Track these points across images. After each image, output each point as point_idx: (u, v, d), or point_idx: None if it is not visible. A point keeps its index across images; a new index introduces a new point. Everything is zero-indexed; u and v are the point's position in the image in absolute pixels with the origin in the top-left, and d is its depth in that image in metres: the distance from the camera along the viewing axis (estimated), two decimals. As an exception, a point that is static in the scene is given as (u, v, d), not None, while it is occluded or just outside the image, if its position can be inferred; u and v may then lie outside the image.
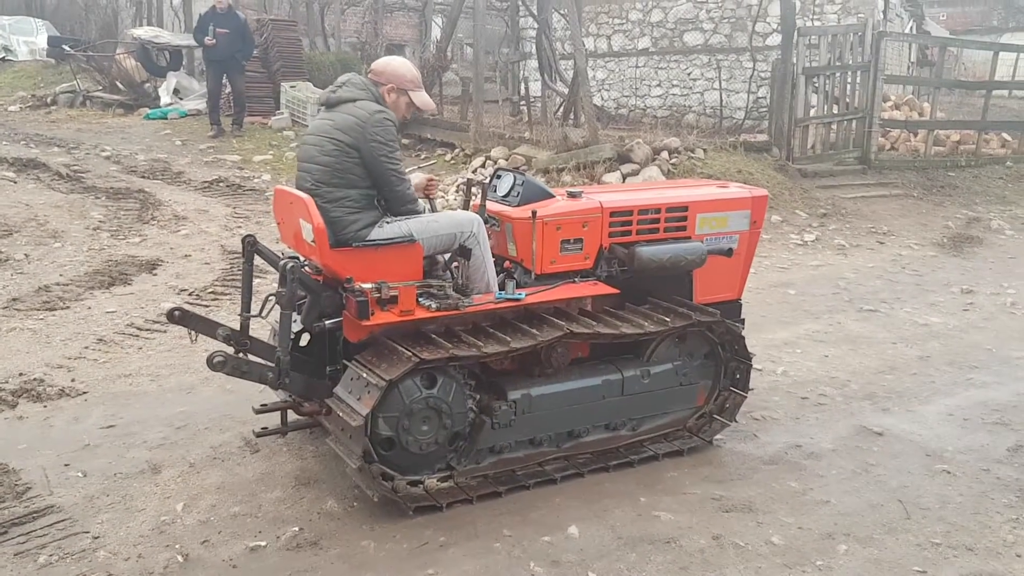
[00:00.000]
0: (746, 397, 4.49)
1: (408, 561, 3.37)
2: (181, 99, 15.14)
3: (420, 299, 3.75)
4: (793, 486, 4.08)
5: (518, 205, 4.26)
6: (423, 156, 11.40)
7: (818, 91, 11.43)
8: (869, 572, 3.37)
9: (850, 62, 11.22)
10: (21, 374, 5.09)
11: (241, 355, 3.78)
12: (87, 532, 3.50)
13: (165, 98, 15.21)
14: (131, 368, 5.36)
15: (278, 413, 4.10)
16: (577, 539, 3.57)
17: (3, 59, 18.91)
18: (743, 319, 4.85)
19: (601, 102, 17.57)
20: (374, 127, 3.76)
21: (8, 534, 3.44)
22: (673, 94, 17.34)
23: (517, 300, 3.96)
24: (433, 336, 3.74)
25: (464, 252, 4.00)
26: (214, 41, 11.84)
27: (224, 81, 12.54)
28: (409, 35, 21.36)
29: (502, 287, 4.09)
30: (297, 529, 3.55)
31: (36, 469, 3.98)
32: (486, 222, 4.33)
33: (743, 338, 4.44)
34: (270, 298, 3.74)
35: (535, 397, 3.98)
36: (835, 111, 11.40)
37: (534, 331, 3.85)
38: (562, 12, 12.88)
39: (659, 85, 17.53)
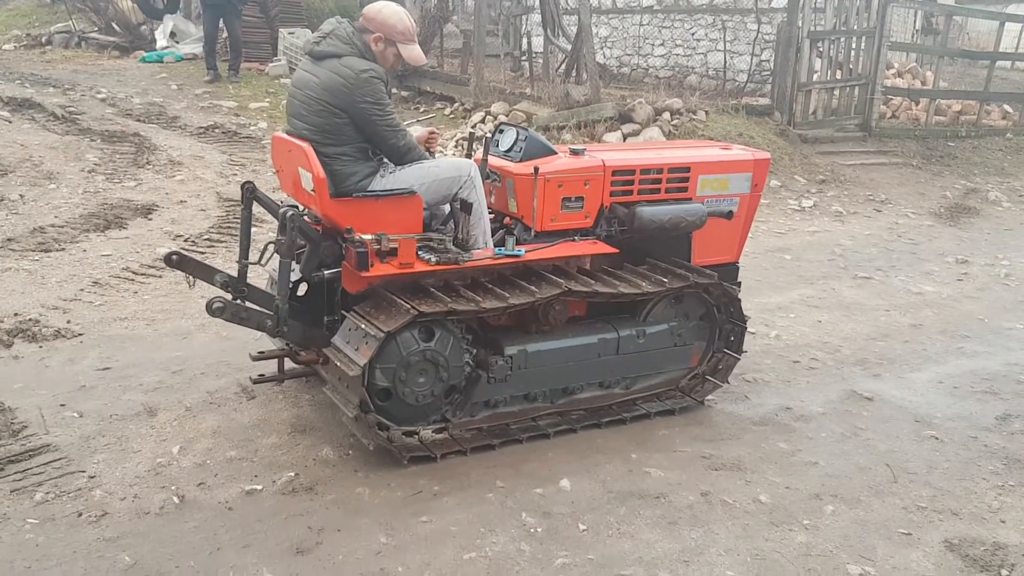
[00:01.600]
0: (739, 359, 4.53)
1: (402, 508, 3.42)
2: (177, 43, 14.92)
3: (420, 252, 3.74)
4: (782, 447, 4.13)
5: (520, 160, 4.22)
6: (422, 109, 11.30)
7: (822, 56, 11.32)
8: (855, 532, 3.43)
9: (856, 27, 11.11)
10: (16, 314, 5.08)
11: (239, 302, 3.78)
12: (83, 471, 3.53)
13: (161, 41, 14.99)
14: (127, 312, 5.36)
15: (275, 361, 4.12)
16: (569, 492, 3.62)
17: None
18: (739, 282, 4.86)
19: (603, 60, 17.38)
20: (361, 88, 3.65)
21: (5, 471, 3.47)
22: (676, 54, 17.13)
23: (516, 256, 3.96)
24: (432, 289, 3.75)
25: (465, 206, 3.98)
26: (211, -18, 11.63)
27: (221, 26, 12.34)
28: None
29: (501, 243, 4.08)
30: (293, 474, 3.59)
31: (32, 408, 4.00)
32: (487, 177, 4.30)
33: (739, 300, 4.46)
34: (269, 246, 3.73)
35: (531, 353, 4.00)
36: (838, 77, 11.32)
37: (532, 288, 3.86)
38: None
39: (662, 44, 17.32)
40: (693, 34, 16.81)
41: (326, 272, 3.87)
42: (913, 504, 3.64)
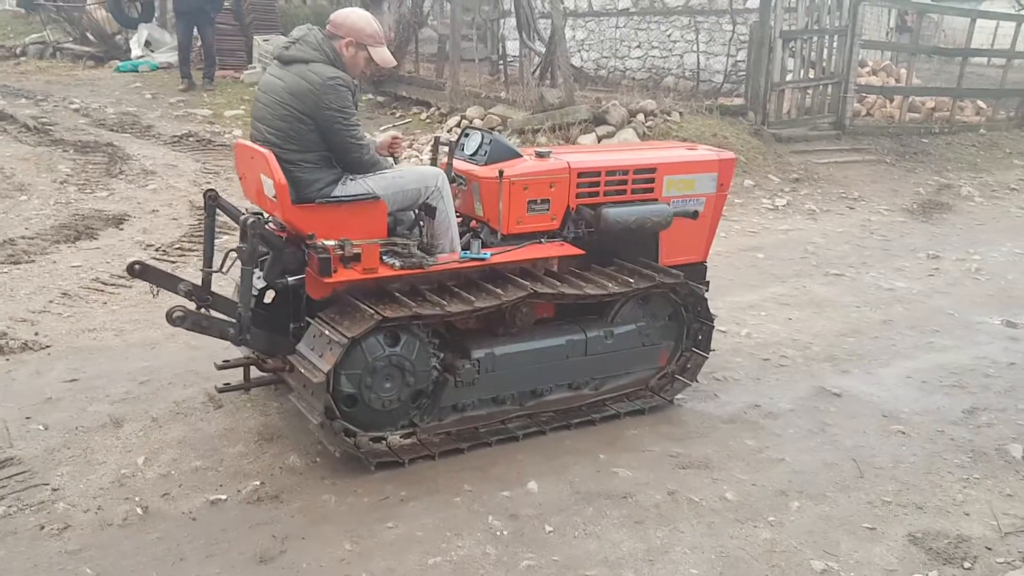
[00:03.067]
0: (707, 358, 4.54)
1: (368, 515, 3.41)
2: (152, 52, 14.86)
3: (384, 257, 3.74)
4: (750, 444, 4.15)
5: (485, 164, 4.23)
6: (398, 114, 11.29)
7: (795, 55, 11.40)
8: (819, 528, 3.45)
9: (828, 26, 11.19)
10: (-17, 327, 5.05)
11: (203, 310, 3.77)
12: (47, 484, 3.51)
13: (136, 50, 14.93)
14: (95, 323, 5.33)
15: (241, 370, 4.11)
16: (536, 494, 3.62)
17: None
18: (708, 281, 4.89)
19: (580, 63, 17.43)
20: (327, 94, 3.65)
21: (-32, 485, 3.44)
22: (652, 56, 17.21)
23: (482, 260, 3.95)
24: (396, 294, 3.74)
25: (428, 210, 3.98)
26: (184, -9, 11.61)
27: (195, 34, 12.30)
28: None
29: (467, 247, 4.09)
30: (258, 483, 3.57)
31: (-4, 421, 3.98)
32: (453, 181, 4.31)
33: (705, 300, 4.49)
34: (231, 254, 3.72)
35: (498, 356, 4.00)
36: (811, 76, 11.39)
37: (498, 291, 3.86)
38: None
39: (639, 47, 17.39)
40: (669, 36, 16.88)
41: (290, 279, 3.86)
42: (878, 499, 3.67)
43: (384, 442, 3.85)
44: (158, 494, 3.48)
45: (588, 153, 5.04)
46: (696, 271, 4.79)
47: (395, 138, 4.37)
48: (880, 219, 9.03)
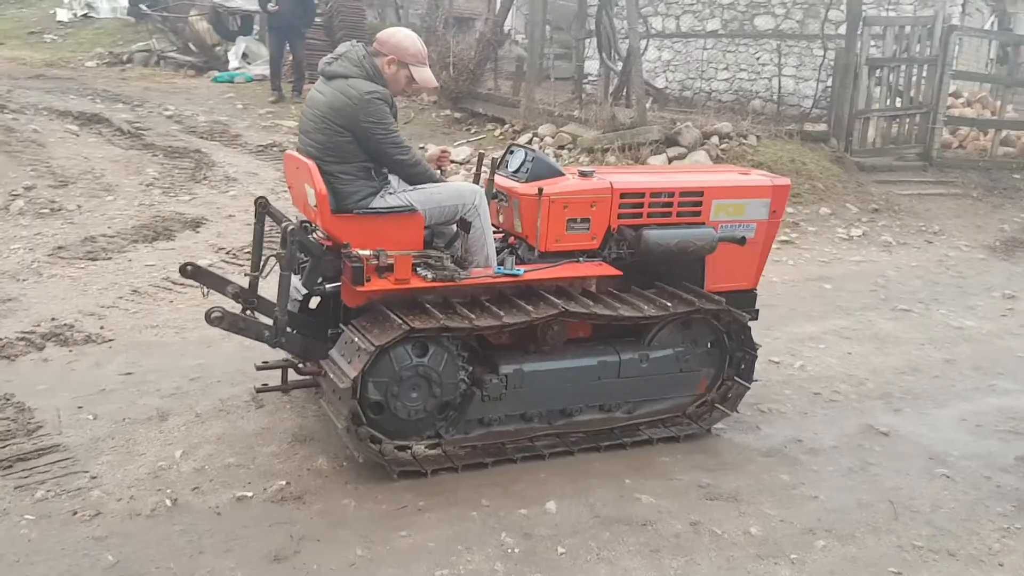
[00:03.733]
0: (749, 388, 4.45)
1: (384, 522, 3.46)
2: (249, 64, 15.45)
3: (418, 269, 3.80)
4: (784, 479, 4.04)
5: (526, 181, 4.26)
6: (473, 131, 11.44)
7: (881, 83, 11.07)
8: (842, 569, 3.34)
9: (917, 55, 10.84)
10: (53, 319, 5.33)
11: (248, 312, 3.90)
12: (87, 472, 3.67)
13: (233, 62, 15.53)
14: (159, 319, 5.57)
15: (279, 371, 4.23)
16: (554, 514, 3.61)
17: (86, 15, 19.49)
18: (756, 310, 4.79)
19: (665, 84, 17.33)
20: (365, 109, 3.75)
21: (12, 468, 3.64)
22: (740, 78, 16.97)
23: (515, 276, 3.98)
24: (427, 306, 3.80)
25: (464, 225, 4.03)
26: (277, 7, 12.06)
27: (287, 48, 12.74)
28: (481, 8, 21.29)
29: (502, 263, 4.12)
30: (284, 483, 3.67)
31: (51, 409, 4.18)
32: (495, 197, 4.35)
33: (748, 328, 4.39)
34: (271, 259, 3.84)
35: (527, 373, 4.00)
36: (898, 105, 11.05)
37: (529, 307, 3.87)
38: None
39: (726, 69, 17.17)
40: (758, 59, 16.64)
41: (327, 286, 3.96)
42: (909, 543, 3.52)
43: (409, 451, 3.90)
44: (189, 487, 3.61)
45: (635, 174, 5.00)
46: (745, 299, 4.69)
47: (443, 151, 4.47)
48: (959, 255, 8.67)
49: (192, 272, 3.79)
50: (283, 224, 3.78)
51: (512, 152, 4.57)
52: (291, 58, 13.12)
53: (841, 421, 4.72)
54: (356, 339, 3.65)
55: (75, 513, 3.36)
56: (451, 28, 13.63)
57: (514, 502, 3.68)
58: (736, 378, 4.47)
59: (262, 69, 14.71)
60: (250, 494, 3.58)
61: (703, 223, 4.47)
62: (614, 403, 4.31)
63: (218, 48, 16.41)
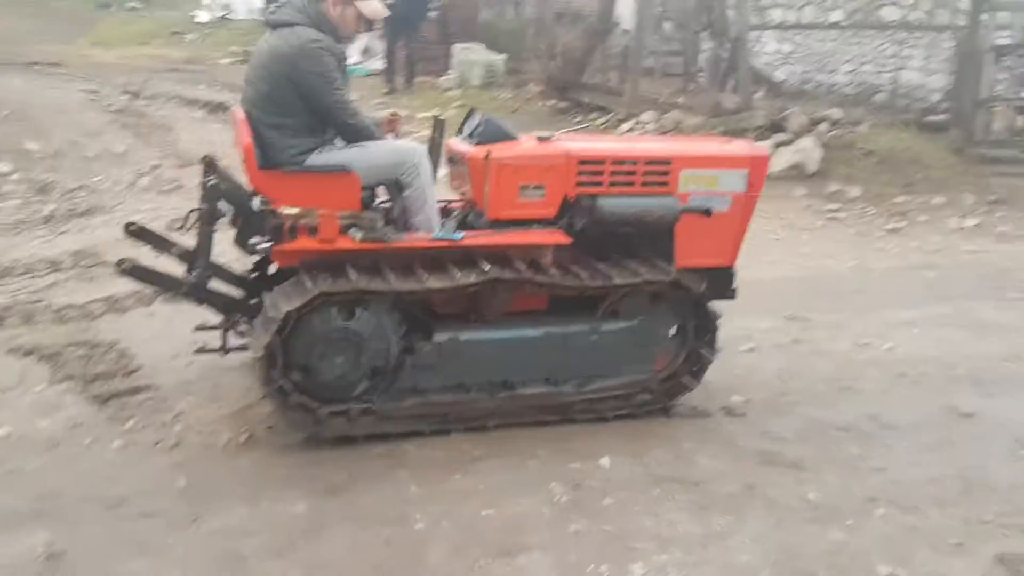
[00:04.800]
0: (712, 360, 4.16)
1: (440, 465, 3.60)
2: (369, 59, 16.03)
3: (351, 230, 3.66)
4: (853, 451, 3.95)
5: (477, 144, 4.02)
6: (577, 119, 11.50)
7: (1011, 72, 10.46)
8: (899, 537, 3.26)
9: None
10: (163, 280, 5.72)
11: (192, 274, 3.90)
12: (173, 409, 3.96)
13: (355, 57, 16.10)
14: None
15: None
16: (606, 469, 3.65)
17: (224, 17, 20.65)
18: (734, 288, 4.49)
19: (785, 76, 16.88)
20: (306, 59, 3.62)
21: (108, 403, 3.97)
22: (864, 71, 16.35)
23: (453, 240, 3.80)
24: (350, 269, 3.60)
25: (399, 186, 3.91)
26: (392, 2, 12.44)
27: (400, 42, 13.17)
28: (594, 4, 21.25)
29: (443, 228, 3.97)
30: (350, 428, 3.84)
31: (149, 356, 4.51)
32: (451, 161, 4.25)
33: (702, 300, 4.09)
34: (192, 213, 3.80)
35: (463, 341, 3.85)
36: (1028, 93, 10.43)
37: (457, 273, 3.68)
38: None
39: (849, 61, 16.58)
40: (883, 51, 15.98)
41: (259, 245, 3.75)
42: (977, 517, 3.38)
43: (345, 416, 3.73)
44: (263, 427, 3.84)
45: (599, 142, 4.70)
46: (721, 276, 4.40)
47: (393, 113, 4.29)
48: (1086, 246, 8.11)
49: (137, 232, 3.81)
50: (204, 179, 3.73)
51: (470, 116, 4.30)
52: (405, 52, 13.52)
53: (924, 401, 4.53)
54: (269, 306, 3.56)
55: (157, 443, 3.65)
56: (565, 22, 13.72)
57: (568, 456, 3.74)
58: (700, 350, 4.14)
59: (379, 64, 15.24)
60: (321, 435, 3.76)
61: (669, 194, 4.16)
62: (561, 377, 4.09)
63: (341, 44, 17.09)
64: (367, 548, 3.02)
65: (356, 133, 3.84)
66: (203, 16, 20.51)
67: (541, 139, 4.10)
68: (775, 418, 4.26)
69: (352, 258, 3.66)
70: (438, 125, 4.31)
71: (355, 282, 3.50)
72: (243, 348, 4.17)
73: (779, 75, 16.59)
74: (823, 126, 9.52)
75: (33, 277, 5.60)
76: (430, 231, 3.89)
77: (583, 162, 4.01)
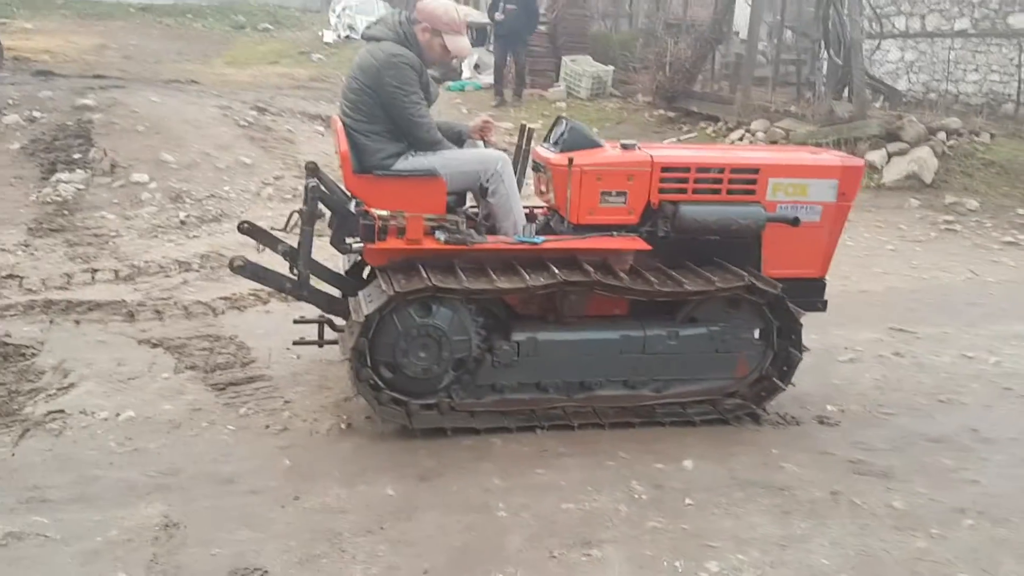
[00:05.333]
0: (800, 359, 4.11)
1: (524, 460, 3.74)
2: (480, 73, 16.42)
3: (436, 232, 3.87)
4: (946, 463, 3.87)
5: (560, 151, 4.14)
6: (685, 128, 11.48)
7: None
8: (985, 548, 3.19)
9: None
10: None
11: (294, 271, 4.12)
12: (283, 397, 4.26)
13: (466, 72, 16.55)
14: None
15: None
16: (689, 471, 3.71)
17: (348, 37, 21.50)
18: (825, 300, 4.44)
19: (908, 85, 16.29)
20: (388, 70, 3.87)
21: (225, 391, 4.30)
22: (992, 80, 15.61)
23: (533, 244, 3.94)
24: (421, 268, 3.78)
25: (483, 191, 4.07)
26: (503, 16, 12.79)
27: (510, 56, 13.45)
28: (707, 15, 21.08)
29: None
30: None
31: (264, 349, 4.84)
32: (536, 169, 4.36)
33: (783, 300, 4.01)
34: (294, 214, 4.04)
35: (541, 341, 3.95)
36: None
37: (526, 274, 3.80)
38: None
39: (976, 70, 15.86)
40: (1011, 60, 15.21)
41: (352, 244, 3.96)
42: (1073, 534, 3.27)
43: (435, 409, 3.92)
44: (363, 416, 4.08)
45: (684, 150, 4.70)
46: (811, 287, 4.38)
47: (486, 121, 4.46)
48: None
49: (248, 230, 4.04)
50: (306, 182, 3.96)
51: (557, 124, 4.43)
52: (514, 65, 13.81)
53: (1031, 417, 4.39)
54: (382, 283, 3.74)
55: (267, 427, 3.94)
56: (678, 33, 13.70)
57: (652, 457, 3.82)
58: (791, 348, 4.10)
59: (490, 78, 15.60)
60: (411, 426, 3.98)
61: (756, 203, 4.18)
62: (639, 380, 4.14)
63: (455, 60, 17.54)
64: (451, 531, 3.19)
65: (426, 145, 4.04)
66: (329, 36, 21.42)
67: (625, 146, 4.19)
68: (868, 428, 4.22)
69: (433, 260, 3.86)
70: (525, 133, 4.45)
71: (429, 281, 3.66)
72: (337, 342, 4.39)
73: (902, 84, 16.04)
74: (940, 136, 9.20)
75: (165, 276, 6.08)
76: (514, 235, 4.06)
77: (666, 169, 4.09)
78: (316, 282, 4.27)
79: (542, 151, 4.34)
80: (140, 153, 8.68)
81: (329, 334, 4.51)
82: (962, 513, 3.42)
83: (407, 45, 4.00)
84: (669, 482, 3.61)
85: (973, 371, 4.98)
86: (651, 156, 4.11)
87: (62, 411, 3.96)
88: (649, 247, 4.04)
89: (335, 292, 4.38)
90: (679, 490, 3.55)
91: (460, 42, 4.12)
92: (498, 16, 12.87)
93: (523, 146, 4.43)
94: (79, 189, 7.93)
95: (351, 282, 4.37)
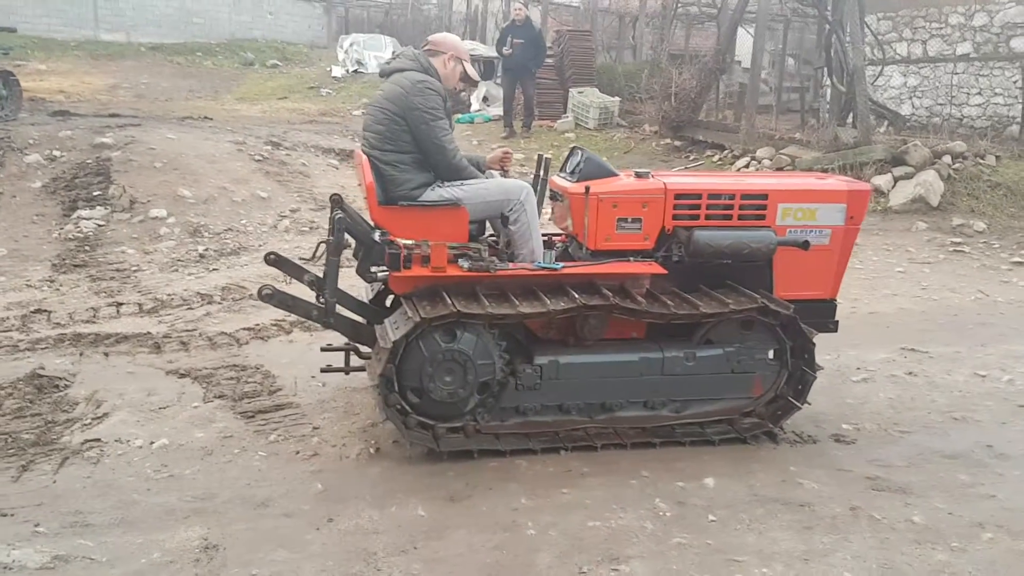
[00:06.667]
0: (814, 378, 4.21)
1: (549, 480, 3.83)
2: (488, 106, 16.67)
3: (459, 260, 3.99)
4: (962, 479, 3.95)
5: (578, 180, 4.27)
6: (692, 157, 11.64)
7: None
8: (1006, 560, 3.26)
9: None
10: (300, 311, 6.23)
11: (319, 299, 4.25)
12: (311, 424, 4.36)
13: (475, 104, 16.81)
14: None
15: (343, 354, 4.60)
16: (710, 489, 3.80)
17: (356, 71, 21.84)
18: (836, 321, 4.55)
19: (911, 110, 16.49)
20: (415, 95, 4.00)
21: (255, 418, 4.40)
22: (995, 103, 15.79)
23: (552, 270, 4.07)
24: (445, 295, 3.89)
25: (503, 219, 4.19)
26: (511, 51, 13.03)
27: (518, 88, 13.68)
28: (708, 45, 21.38)
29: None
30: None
31: (289, 377, 4.95)
32: (553, 198, 4.49)
33: (796, 320, 4.11)
34: (321, 245, 4.17)
35: (563, 364, 4.07)
36: None
37: (546, 299, 3.93)
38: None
39: (979, 93, 16.04)
40: (1015, 82, 15.40)
41: (379, 273, 4.10)
42: (1090, 545, 3.34)
43: (461, 432, 4.02)
44: (390, 441, 4.17)
45: (696, 177, 4.81)
46: (823, 309, 4.50)
47: (506, 152, 4.60)
48: None
49: (274, 261, 4.19)
50: (332, 214, 4.05)
51: (572, 154, 4.58)
52: (523, 97, 14.03)
53: (1045, 433, 4.46)
54: (408, 311, 3.86)
55: (297, 453, 4.04)
56: (684, 64, 13.92)
57: (673, 476, 3.90)
58: (804, 368, 4.21)
59: (499, 110, 15.83)
60: (439, 449, 4.07)
61: (766, 227, 4.31)
62: (658, 401, 4.24)
63: (463, 93, 17.82)
64: (482, 549, 3.28)
65: (453, 172, 4.16)
66: (338, 71, 21.76)
67: (639, 175, 4.34)
68: (884, 446, 4.30)
69: (456, 287, 3.98)
70: (543, 163, 4.59)
71: (453, 307, 3.78)
72: (364, 369, 4.50)
73: (905, 109, 16.23)
74: (946, 159, 9.33)
75: (188, 309, 6.21)
76: (535, 262, 4.18)
77: (679, 196, 4.23)
78: (341, 310, 4.38)
79: (559, 180, 4.48)
80: (158, 189, 8.87)
81: (355, 361, 4.61)
82: (981, 527, 3.49)
83: (430, 73, 4.17)
84: (691, 499, 3.70)
85: (986, 389, 5.06)
86: (665, 184, 4.25)
87: (98, 440, 4.07)
88: (665, 271, 4.18)
89: (360, 320, 4.48)
90: (701, 507, 3.64)
91: (472, 67, 4.39)
92: (506, 51, 13.12)
93: (541, 175, 4.56)
94: (99, 225, 8.11)
95: (374, 310, 4.48)
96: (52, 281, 6.79)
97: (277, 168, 10.30)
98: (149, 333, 5.60)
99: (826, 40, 11.80)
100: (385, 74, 4.30)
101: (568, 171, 4.49)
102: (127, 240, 7.89)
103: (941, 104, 16.70)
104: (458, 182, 4.19)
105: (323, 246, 4.18)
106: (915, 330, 6.16)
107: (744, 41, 15.27)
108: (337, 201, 4.11)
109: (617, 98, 14.31)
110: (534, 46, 13.24)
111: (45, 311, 6.00)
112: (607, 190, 4.21)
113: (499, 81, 17.71)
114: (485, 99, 16.93)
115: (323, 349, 4.75)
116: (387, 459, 4.01)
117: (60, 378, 4.78)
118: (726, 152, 11.15)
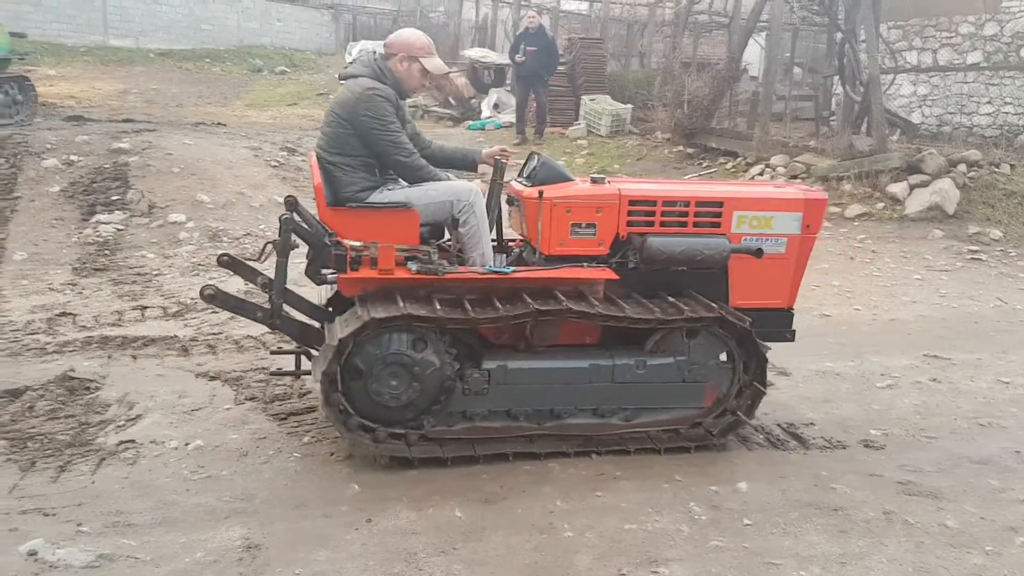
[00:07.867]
0: (764, 394, 4.20)
1: (583, 484, 3.85)
2: (499, 113, 16.74)
3: (408, 263, 3.92)
4: (993, 483, 3.97)
5: (532, 185, 4.24)
6: (704, 164, 11.68)
7: None
8: (1042, 565, 3.27)
9: None
10: (323, 315, 6.26)
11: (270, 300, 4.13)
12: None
13: (486, 111, 16.88)
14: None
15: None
16: (744, 493, 3.82)
17: (363, 79, 21.99)
18: (793, 330, 4.51)
19: (922, 119, 16.53)
20: (363, 103, 3.99)
21: (287, 420, 4.43)
22: (1006, 112, 15.84)
23: (503, 274, 4.01)
24: (398, 297, 3.86)
25: (453, 222, 4.15)
26: (524, 59, 13.09)
27: (531, 95, 13.74)
28: (721, 52, 21.46)
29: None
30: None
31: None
32: (510, 202, 4.47)
33: (750, 333, 4.11)
34: (268, 246, 4.08)
35: (511, 370, 4.02)
36: None
37: (499, 304, 3.91)
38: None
39: (989, 102, 16.09)
40: (1025, 91, 15.44)
41: (328, 275, 4.08)
42: (1125, 549, 3.36)
43: (403, 439, 3.95)
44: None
45: (652, 184, 4.77)
46: (779, 317, 4.45)
47: (503, 150, 4.54)
48: None
49: (228, 263, 4.11)
50: (281, 215, 3.97)
51: (530, 159, 4.52)
52: (535, 104, 14.09)
53: (1073, 439, 4.48)
54: (359, 310, 3.81)
55: (332, 454, 4.06)
56: (693, 71, 13.99)
57: (707, 479, 3.92)
58: (754, 383, 4.18)
59: (510, 117, 15.89)
60: (473, 454, 4.09)
61: (722, 234, 4.29)
62: (608, 409, 4.19)
63: (473, 100, 17.93)
64: (520, 551, 3.30)
65: (412, 172, 4.16)
66: (345, 77, 21.87)
67: (594, 180, 4.32)
68: (913, 451, 4.32)
69: (409, 290, 3.94)
70: (498, 167, 4.51)
71: (403, 309, 3.74)
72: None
73: (915, 117, 16.28)
74: (961, 167, 9.36)
75: (212, 312, 6.23)
76: (484, 266, 4.14)
77: (634, 202, 4.22)
78: (291, 312, 4.31)
79: (515, 185, 4.45)
80: (176, 194, 8.91)
81: (306, 364, 4.55)
82: (1014, 531, 3.52)
83: (383, 80, 4.14)
84: (725, 503, 3.72)
85: (1010, 396, 5.09)
86: (619, 189, 4.23)
87: (133, 441, 4.10)
88: (617, 277, 4.14)
89: (313, 323, 4.38)
90: (736, 511, 3.66)
91: (436, 62, 4.28)
92: (518, 58, 13.19)
93: (497, 180, 4.48)
94: (118, 229, 8.15)
95: (329, 313, 4.38)
96: (74, 285, 6.83)
97: (293, 174, 10.34)
98: (176, 336, 5.64)
99: (839, 48, 11.86)
100: (342, 78, 4.31)
101: (524, 176, 4.45)
102: (147, 244, 7.93)
103: (951, 113, 16.75)
104: (406, 185, 4.18)
105: (270, 246, 4.12)
106: (936, 337, 6.19)
107: (750, 49, 15.31)
108: (292, 203, 4.06)
109: (629, 105, 14.36)
110: (547, 53, 13.30)
111: (70, 314, 6.04)
112: (561, 195, 4.16)
113: (509, 88, 17.85)
114: (496, 106, 17.00)
115: (273, 352, 4.73)
116: (420, 461, 4.03)
117: (91, 380, 4.81)
118: (739, 159, 11.19)
